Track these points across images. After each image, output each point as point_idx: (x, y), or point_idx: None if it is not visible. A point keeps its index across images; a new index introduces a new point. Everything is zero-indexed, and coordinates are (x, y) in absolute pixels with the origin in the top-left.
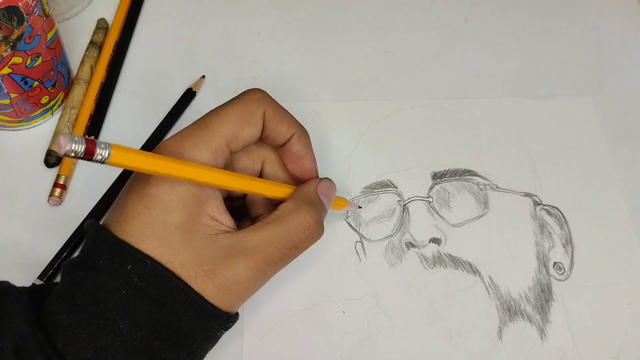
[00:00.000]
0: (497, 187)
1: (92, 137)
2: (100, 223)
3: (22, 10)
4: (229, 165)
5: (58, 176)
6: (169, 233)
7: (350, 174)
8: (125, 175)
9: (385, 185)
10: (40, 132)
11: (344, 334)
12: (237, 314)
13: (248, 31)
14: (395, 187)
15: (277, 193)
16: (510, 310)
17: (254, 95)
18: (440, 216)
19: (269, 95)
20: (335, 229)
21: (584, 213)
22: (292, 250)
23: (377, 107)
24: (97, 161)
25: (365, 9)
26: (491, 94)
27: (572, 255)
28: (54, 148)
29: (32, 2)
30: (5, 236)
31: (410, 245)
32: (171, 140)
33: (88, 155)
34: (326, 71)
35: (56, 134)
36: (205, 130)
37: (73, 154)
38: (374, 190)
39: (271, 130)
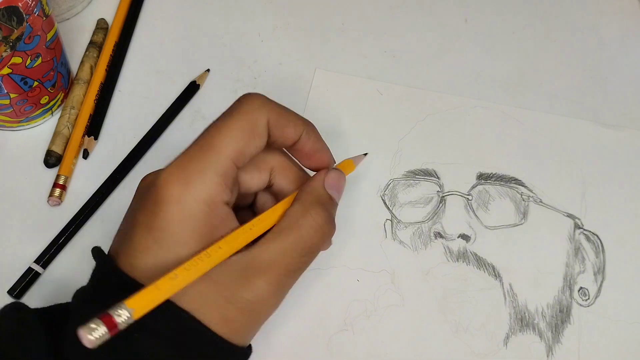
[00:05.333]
0: (541, 202)
1: (104, 312)
2: (108, 251)
3: (21, 10)
4: (235, 182)
5: (58, 176)
6: None
7: (397, 156)
8: (122, 173)
9: (428, 174)
10: (40, 132)
11: (353, 301)
12: (250, 347)
13: (248, 31)
14: (438, 178)
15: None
16: (522, 321)
17: (254, 103)
18: (476, 215)
19: (269, 99)
20: (370, 202)
21: (624, 247)
22: (308, 256)
23: (440, 99)
24: (129, 325)
25: (365, 9)
26: (491, 95)
27: (600, 285)
28: (54, 148)
29: (32, 2)
30: (5, 236)
31: (439, 235)
32: (174, 168)
33: (114, 330)
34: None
35: (56, 134)
36: (210, 152)
37: (103, 339)
38: (417, 176)
39: (278, 136)
